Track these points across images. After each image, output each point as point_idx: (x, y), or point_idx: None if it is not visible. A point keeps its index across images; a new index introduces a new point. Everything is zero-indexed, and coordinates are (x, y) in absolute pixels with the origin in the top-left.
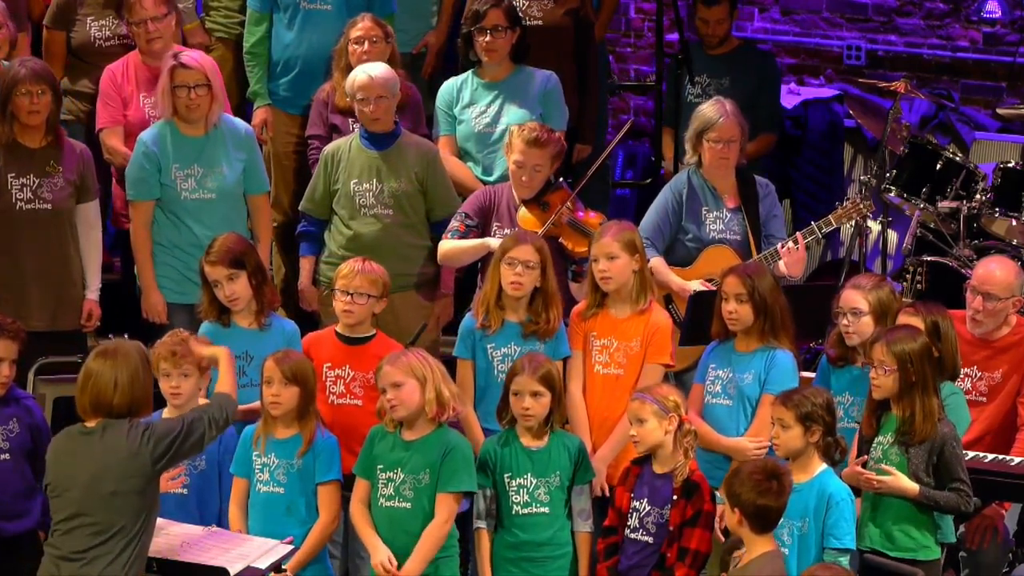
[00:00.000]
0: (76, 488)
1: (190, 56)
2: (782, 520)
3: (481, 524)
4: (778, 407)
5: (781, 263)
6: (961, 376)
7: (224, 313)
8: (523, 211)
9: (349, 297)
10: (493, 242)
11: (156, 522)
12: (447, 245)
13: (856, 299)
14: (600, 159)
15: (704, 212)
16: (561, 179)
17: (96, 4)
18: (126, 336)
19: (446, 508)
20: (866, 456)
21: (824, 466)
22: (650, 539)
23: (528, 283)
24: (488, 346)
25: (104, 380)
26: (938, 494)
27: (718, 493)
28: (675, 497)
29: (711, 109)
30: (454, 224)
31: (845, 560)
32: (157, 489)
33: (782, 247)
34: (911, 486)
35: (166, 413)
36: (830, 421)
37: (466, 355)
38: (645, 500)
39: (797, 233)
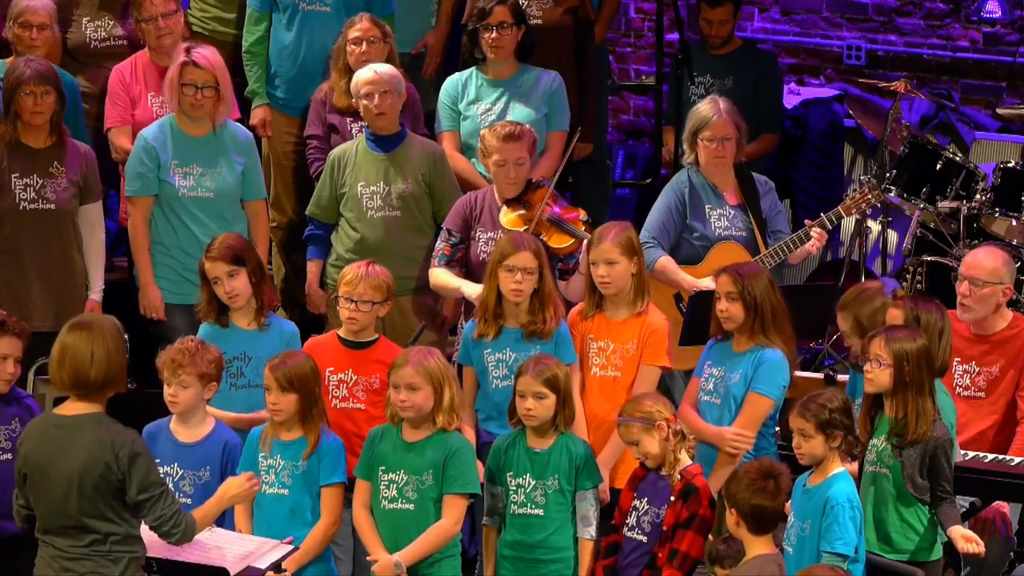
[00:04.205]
0: (58, 487)
1: (202, 54)
2: (792, 520)
3: (487, 521)
4: (796, 418)
5: (797, 252)
6: (959, 372)
7: (223, 313)
8: (505, 211)
9: (353, 304)
10: (467, 290)
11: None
12: (435, 276)
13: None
14: (557, 171)
15: (708, 210)
16: (544, 178)
17: (92, 5)
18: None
19: (456, 509)
20: None
21: (840, 469)
22: (644, 538)
23: (528, 289)
24: (484, 351)
25: (81, 354)
26: (943, 519)
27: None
28: (672, 498)
29: (705, 108)
30: (439, 245)
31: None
32: None
33: (810, 227)
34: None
35: (173, 422)
36: (849, 424)
37: (467, 361)
38: (646, 500)
39: (807, 222)
